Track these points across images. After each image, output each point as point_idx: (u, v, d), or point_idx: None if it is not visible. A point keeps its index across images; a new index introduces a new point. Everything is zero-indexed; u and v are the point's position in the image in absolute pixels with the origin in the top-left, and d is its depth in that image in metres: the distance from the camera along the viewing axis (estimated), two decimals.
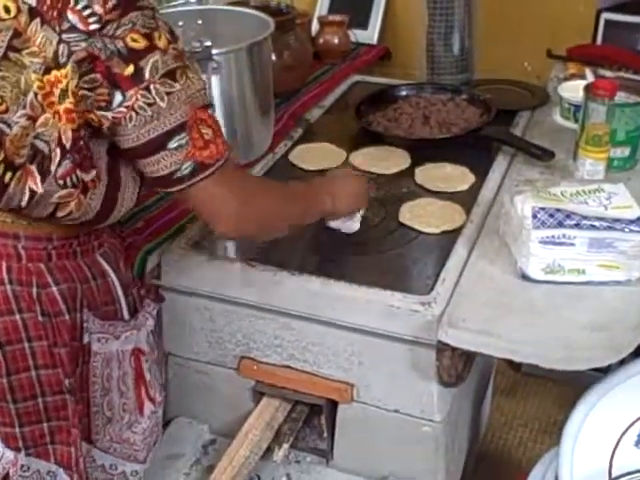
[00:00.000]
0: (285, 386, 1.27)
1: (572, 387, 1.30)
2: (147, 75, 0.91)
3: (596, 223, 1.12)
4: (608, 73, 1.76)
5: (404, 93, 1.76)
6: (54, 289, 1.03)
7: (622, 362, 1.10)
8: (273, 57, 1.59)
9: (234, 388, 1.31)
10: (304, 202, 1.19)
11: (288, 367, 1.25)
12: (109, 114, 0.92)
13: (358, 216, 1.29)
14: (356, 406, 1.23)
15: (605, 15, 1.91)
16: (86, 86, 0.90)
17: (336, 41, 2.01)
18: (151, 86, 0.91)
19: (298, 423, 1.29)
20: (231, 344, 1.28)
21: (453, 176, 1.48)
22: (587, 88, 1.45)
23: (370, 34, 2.17)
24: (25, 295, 1.02)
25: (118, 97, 0.91)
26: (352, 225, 1.30)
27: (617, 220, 1.13)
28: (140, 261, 1.25)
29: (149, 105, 0.92)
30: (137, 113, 0.92)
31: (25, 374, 1.04)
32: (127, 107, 0.92)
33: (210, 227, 1.09)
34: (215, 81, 1.39)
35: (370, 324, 1.17)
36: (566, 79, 1.77)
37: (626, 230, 1.12)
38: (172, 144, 0.95)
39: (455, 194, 1.43)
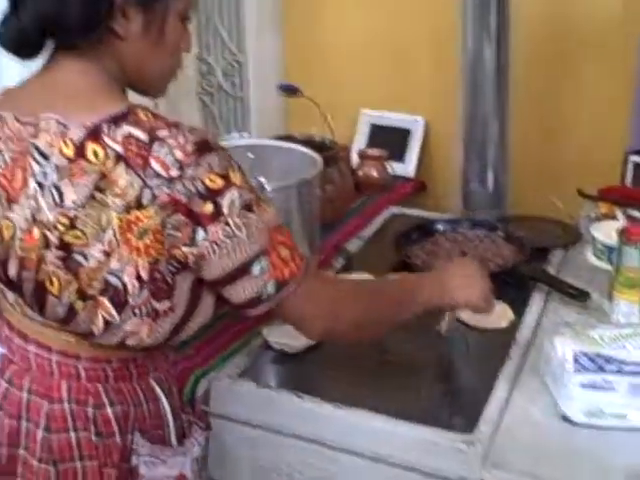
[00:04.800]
0: None
1: None
2: (226, 210, 0.98)
3: (636, 369, 1.16)
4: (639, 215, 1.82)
5: (441, 228, 1.84)
6: (109, 410, 1.08)
7: None
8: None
9: None
10: (398, 299, 1.20)
11: None
12: (194, 249, 0.99)
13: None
14: None
15: (633, 158, 1.99)
16: (170, 226, 0.97)
17: (375, 174, 2.11)
18: (230, 220, 0.99)
19: None
20: (275, 474, 1.30)
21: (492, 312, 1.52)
22: (621, 233, 1.51)
23: (407, 167, 2.27)
24: (81, 414, 1.07)
25: (200, 233, 0.98)
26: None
27: None
28: (190, 387, 1.30)
29: (229, 237, 0.99)
30: (219, 246, 0.99)
31: None
32: (209, 241, 0.99)
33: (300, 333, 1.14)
34: None
35: (412, 460, 1.19)
36: (598, 219, 1.84)
37: None
38: (254, 270, 1.01)
39: (494, 331, 1.47)
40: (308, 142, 1.87)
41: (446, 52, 2.06)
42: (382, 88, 2.31)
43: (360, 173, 2.10)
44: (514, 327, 1.48)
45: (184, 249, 0.99)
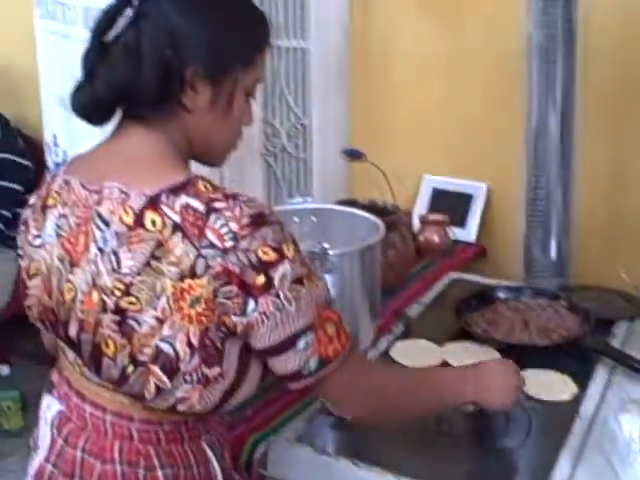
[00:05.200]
0: None
1: None
2: (277, 283, 0.99)
3: None
4: None
5: (502, 295, 1.82)
6: (159, 473, 1.08)
7: None
8: None
9: None
10: (433, 392, 1.21)
11: None
12: (243, 319, 1.00)
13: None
14: None
15: None
16: (222, 295, 0.99)
17: (436, 239, 2.11)
18: (280, 293, 0.99)
19: None
20: None
21: (554, 384, 1.50)
22: None
23: (468, 232, 2.27)
24: (132, 476, 1.07)
25: (251, 304, 0.99)
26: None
27: None
28: (248, 450, 1.30)
29: (279, 310, 1.00)
30: (268, 318, 1.00)
31: None
32: (259, 313, 1.00)
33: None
34: (328, 279, 1.48)
35: None
36: None
37: None
38: (300, 344, 1.02)
39: (556, 403, 1.44)
40: (371, 207, 1.89)
41: (510, 119, 2.07)
42: (445, 154, 2.33)
43: (421, 238, 2.11)
44: (577, 401, 1.45)
45: (234, 318, 1.00)
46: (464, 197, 2.29)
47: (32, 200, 1.18)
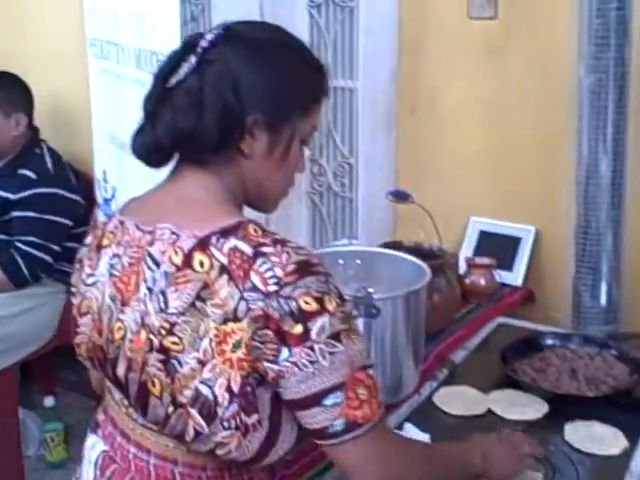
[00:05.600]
0: None
1: None
2: (314, 336, 0.98)
3: None
4: None
5: (550, 342, 1.78)
6: None
7: None
8: None
9: None
10: (449, 466, 1.18)
11: None
12: (275, 367, 0.99)
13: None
14: None
15: None
16: (258, 339, 0.98)
17: (482, 283, 2.08)
18: (316, 346, 0.98)
19: None
20: None
21: (604, 437, 1.45)
22: None
23: (515, 276, 2.23)
24: None
25: (285, 352, 0.98)
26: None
27: None
28: None
29: (312, 363, 0.98)
30: (300, 369, 0.98)
31: None
32: (292, 362, 0.98)
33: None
34: (371, 324, 1.47)
35: None
36: None
37: None
38: (327, 401, 0.99)
39: (605, 457, 1.40)
40: (416, 249, 1.88)
41: (559, 161, 2.06)
42: (493, 196, 2.31)
43: (467, 281, 2.08)
44: (627, 455, 1.40)
45: (265, 364, 0.99)
46: (511, 240, 2.26)
47: (88, 239, 1.20)
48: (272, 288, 0.97)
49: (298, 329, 0.97)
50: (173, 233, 1.04)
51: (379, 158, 2.42)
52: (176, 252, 1.02)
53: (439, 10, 2.30)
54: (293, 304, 0.97)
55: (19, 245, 2.64)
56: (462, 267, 2.14)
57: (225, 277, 0.99)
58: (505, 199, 2.29)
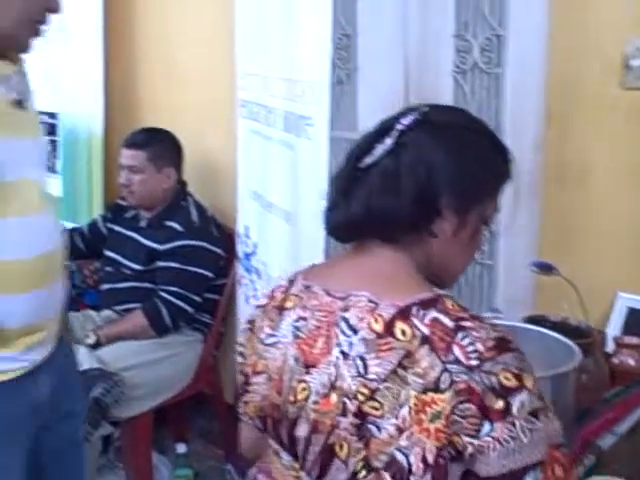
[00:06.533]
0: None
1: None
2: (515, 412, 0.99)
3: None
4: None
5: None
6: None
7: None
8: None
9: None
10: None
11: None
12: (475, 441, 0.99)
13: None
14: None
15: None
16: (459, 413, 0.99)
17: (632, 363, 1.98)
18: (517, 422, 0.99)
19: None
20: None
21: None
22: None
23: None
24: None
25: (486, 427, 0.99)
26: None
27: None
28: None
29: (513, 439, 0.99)
30: (501, 444, 0.99)
31: None
32: (493, 437, 0.99)
33: None
34: None
35: None
36: None
37: None
38: (528, 478, 0.99)
39: None
40: (562, 325, 1.82)
41: None
42: None
43: (616, 361, 1.98)
44: None
45: (465, 439, 0.99)
46: None
47: (262, 301, 1.25)
48: (474, 362, 1.00)
49: (500, 404, 0.99)
50: (370, 301, 1.08)
51: (522, 228, 2.36)
52: (376, 320, 1.06)
53: (591, 79, 2.25)
54: (494, 379, 0.99)
55: (163, 294, 2.74)
56: (609, 346, 2.05)
57: (427, 347, 1.01)
58: None
